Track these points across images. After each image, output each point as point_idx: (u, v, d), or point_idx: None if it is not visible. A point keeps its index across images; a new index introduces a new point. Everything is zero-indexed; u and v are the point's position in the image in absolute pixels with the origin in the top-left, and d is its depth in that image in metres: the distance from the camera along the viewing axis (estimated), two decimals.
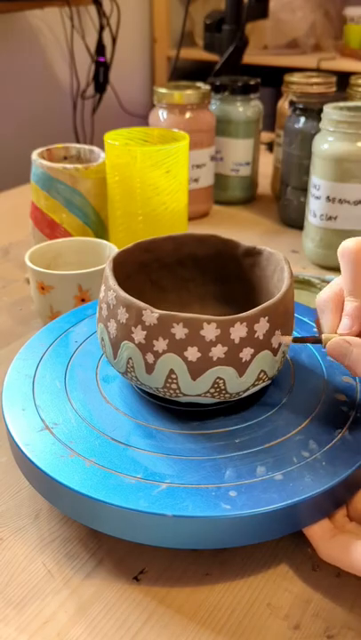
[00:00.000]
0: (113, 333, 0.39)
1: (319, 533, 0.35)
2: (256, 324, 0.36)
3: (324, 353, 0.46)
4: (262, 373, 0.38)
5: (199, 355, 0.36)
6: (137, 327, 0.37)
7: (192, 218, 0.88)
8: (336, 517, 0.36)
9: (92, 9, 1.55)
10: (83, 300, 0.55)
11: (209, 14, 1.07)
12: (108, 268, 0.40)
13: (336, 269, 0.72)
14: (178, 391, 0.38)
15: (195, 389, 0.37)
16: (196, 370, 0.37)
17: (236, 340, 0.36)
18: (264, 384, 0.39)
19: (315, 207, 0.71)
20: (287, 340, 0.39)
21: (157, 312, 0.36)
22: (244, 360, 0.37)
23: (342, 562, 0.34)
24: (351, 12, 1.69)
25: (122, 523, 0.34)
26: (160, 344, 0.36)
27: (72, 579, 0.36)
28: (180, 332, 0.36)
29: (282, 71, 1.05)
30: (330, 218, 0.70)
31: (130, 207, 0.64)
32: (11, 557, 0.37)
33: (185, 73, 1.68)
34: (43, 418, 0.40)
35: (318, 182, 0.69)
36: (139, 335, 0.37)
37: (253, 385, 0.38)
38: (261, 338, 0.37)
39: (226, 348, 0.36)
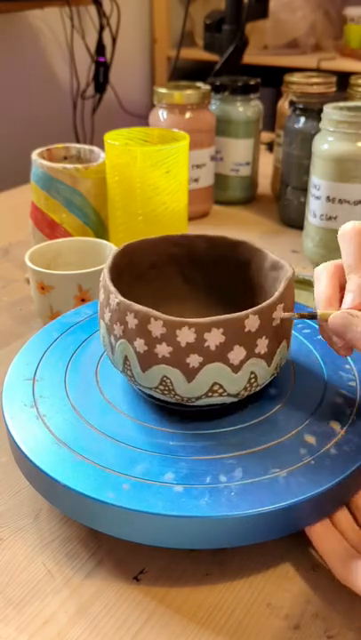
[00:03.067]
0: (100, 311, 0.41)
1: (335, 554, 0.34)
2: (206, 333, 0.35)
3: (323, 351, 0.46)
4: (217, 386, 0.37)
5: (146, 348, 0.37)
6: (105, 309, 0.39)
7: (192, 218, 0.87)
8: (347, 534, 0.35)
9: (92, 9, 1.55)
10: (83, 300, 0.55)
11: (209, 14, 1.07)
12: (112, 252, 0.42)
13: None
14: (133, 379, 0.39)
15: (145, 382, 0.38)
16: (143, 362, 0.37)
17: (183, 344, 0.36)
18: (224, 399, 0.38)
19: (315, 207, 0.71)
20: (286, 315, 0.38)
21: (119, 298, 0.37)
22: (191, 366, 0.36)
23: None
24: (351, 11, 1.69)
25: (122, 523, 0.34)
26: (117, 329, 0.38)
27: (72, 579, 0.36)
28: (131, 321, 0.37)
29: (282, 71, 1.05)
30: (330, 218, 0.70)
31: (130, 207, 0.64)
32: (11, 557, 0.37)
33: (185, 73, 1.68)
34: (43, 418, 0.40)
35: (318, 182, 0.69)
36: (106, 316, 0.39)
37: (207, 395, 0.37)
38: (213, 349, 0.36)
39: (171, 349, 0.36)
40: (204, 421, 0.40)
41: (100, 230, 0.69)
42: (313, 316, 0.37)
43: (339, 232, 0.38)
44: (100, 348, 0.47)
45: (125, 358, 0.38)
